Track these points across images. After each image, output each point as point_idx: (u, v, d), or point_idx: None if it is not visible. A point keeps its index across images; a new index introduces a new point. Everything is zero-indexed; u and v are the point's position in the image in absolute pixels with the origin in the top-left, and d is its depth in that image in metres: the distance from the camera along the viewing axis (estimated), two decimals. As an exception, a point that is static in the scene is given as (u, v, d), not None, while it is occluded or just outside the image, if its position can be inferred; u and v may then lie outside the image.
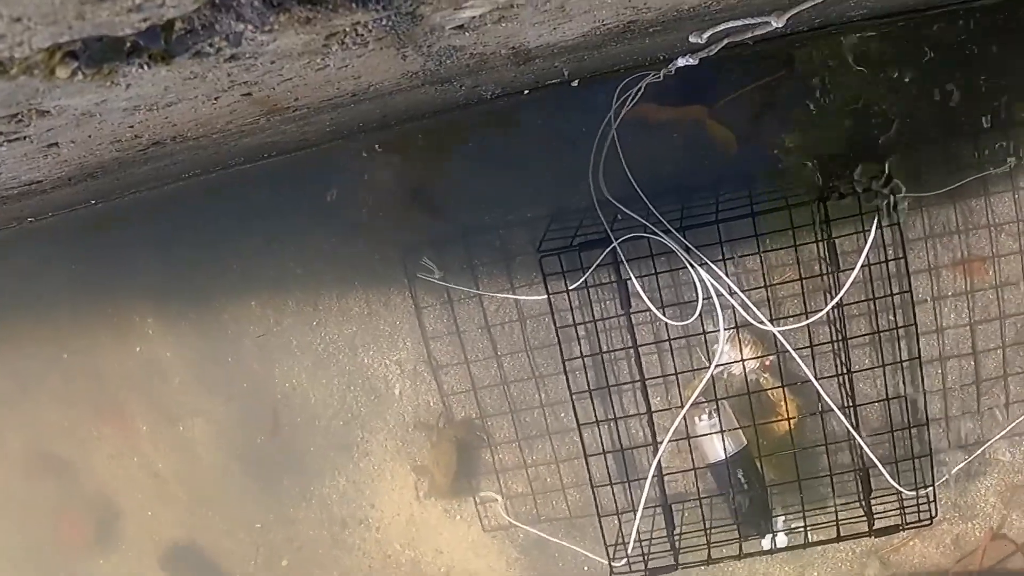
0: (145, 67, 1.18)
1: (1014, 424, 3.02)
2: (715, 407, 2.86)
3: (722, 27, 2.16)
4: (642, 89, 2.83)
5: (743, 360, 2.93)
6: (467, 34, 1.63)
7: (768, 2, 2.04)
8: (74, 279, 3.31)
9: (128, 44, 1.11)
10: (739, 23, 2.13)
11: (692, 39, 2.28)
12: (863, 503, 2.82)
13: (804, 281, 2.84)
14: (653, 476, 2.82)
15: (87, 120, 1.47)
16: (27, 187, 2.11)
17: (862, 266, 2.69)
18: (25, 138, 1.47)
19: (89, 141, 1.71)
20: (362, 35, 1.38)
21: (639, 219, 2.79)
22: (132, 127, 1.67)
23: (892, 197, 2.80)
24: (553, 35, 1.89)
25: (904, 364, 2.93)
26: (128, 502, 3.47)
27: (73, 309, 3.33)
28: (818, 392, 2.81)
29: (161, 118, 1.65)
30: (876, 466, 2.78)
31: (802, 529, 2.89)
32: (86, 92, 1.25)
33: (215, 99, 1.61)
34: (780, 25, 2.08)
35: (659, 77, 2.75)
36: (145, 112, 1.54)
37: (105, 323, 3.33)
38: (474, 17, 1.50)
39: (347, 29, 1.33)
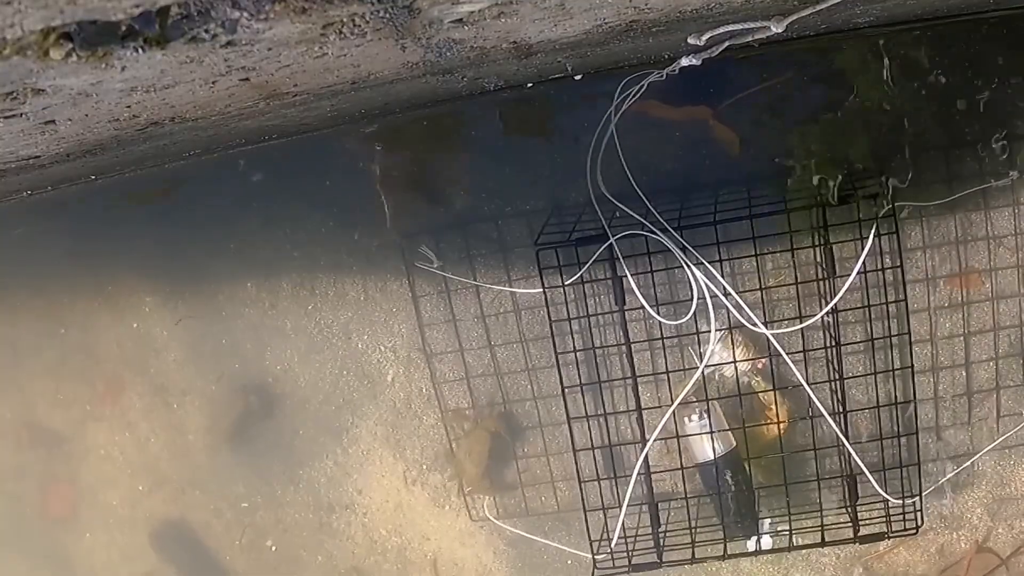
0: (140, 51, 1.18)
1: (1004, 437, 3.02)
2: (706, 407, 2.87)
3: (721, 30, 2.16)
4: (644, 88, 2.83)
5: (735, 361, 2.93)
6: (466, 28, 1.63)
7: (772, 7, 2.03)
8: (72, 253, 3.31)
9: (123, 28, 1.11)
10: (739, 27, 2.12)
11: (691, 40, 2.28)
12: (849, 509, 2.83)
13: (800, 285, 2.84)
14: (640, 473, 2.83)
15: (83, 99, 1.47)
16: (25, 162, 2.11)
17: (858, 273, 2.70)
18: (21, 115, 1.47)
19: (86, 119, 1.71)
20: (360, 26, 1.38)
21: (637, 217, 2.79)
22: (129, 107, 1.67)
23: (892, 205, 2.79)
24: (554, 31, 1.89)
25: (896, 372, 2.94)
26: (118, 477, 3.47)
27: (70, 283, 3.34)
28: (809, 397, 2.82)
29: (159, 100, 1.65)
30: (864, 473, 2.78)
31: (787, 532, 2.89)
32: (81, 73, 1.25)
33: (213, 83, 1.61)
34: (780, 30, 2.08)
35: (661, 77, 2.74)
36: (142, 93, 1.54)
37: (102, 298, 3.34)
38: (472, 12, 1.50)
39: (344, 19, 1.33)
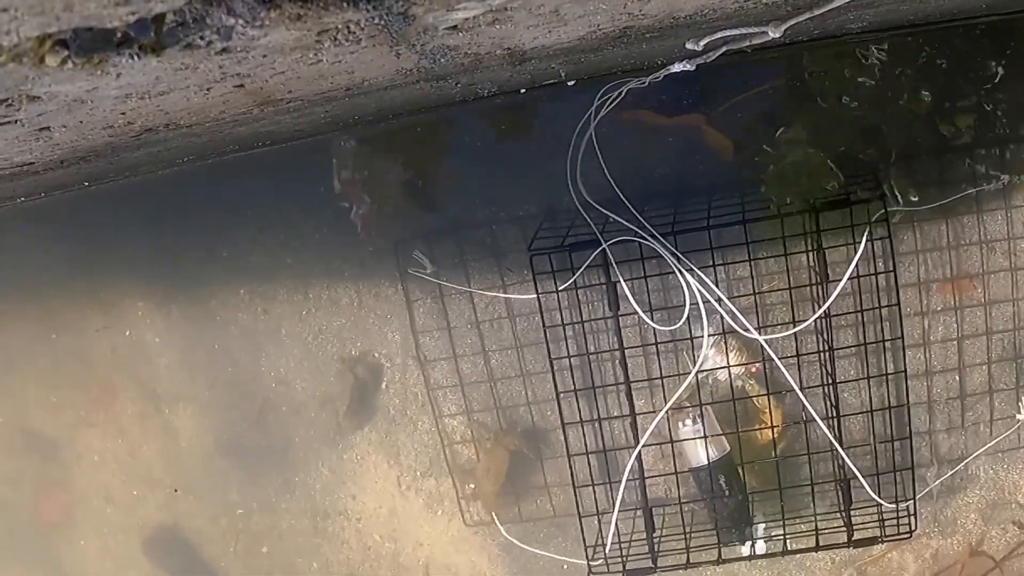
0: (135, 58, 1.18)
1: (997, 440, 3.03)
2: (699, 412, 2.87)
3: (719, 35, 2.17)
4: (622, 94, 2.84)
5: (728, 366, 2.94)
6: (461, 34, 1.63)
7: (766, 12, 2.04)
8: (65, 260, 3.31)
9: (118, 35, 1.11)
10: (736, 32, 2.13)
11: (689, 45, 2.28)
12: (843, 513, 2.83)
13: (793, 290, 2.84)
14: (635, 478, 2.83)
15: (78, 106, 1.47)
16: (19, 168, 2.11)
17: (851, 277, 2.70)
18: (16, 122, 1.47)
19: (81, 126, 1.71)
20: (354, 32, 1.38)
21: (625, 223, 2.79)
22: (124, 114, 1.67)
23: (884, 210, 2.80)
24: (548, 38, 1.89)
25: (889, 377, 2.94)
26: (111, 484, 3.47)
27: (63, 289, 3.34)
28: (802, 401, 2.82)
29: (153, 106, 1.65)
30: (857, 477, 2.79)
31: (781, 537, 2.90)
32: (76, 80, 1.25)
33: (207, 89, 1.61)
34: (778, 35, 2.08)
35: (644, 83, 2.74)
36: (137, 100, 1.54)
37: (95, 305, 3.34)
38: (467, 19, 1.50)
39: (339, 26, 1.33)
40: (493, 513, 3.27)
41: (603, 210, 2.90)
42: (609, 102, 2.88)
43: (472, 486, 3.27)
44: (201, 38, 1.19)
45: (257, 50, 1.36)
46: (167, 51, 1.20)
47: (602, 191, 2.95)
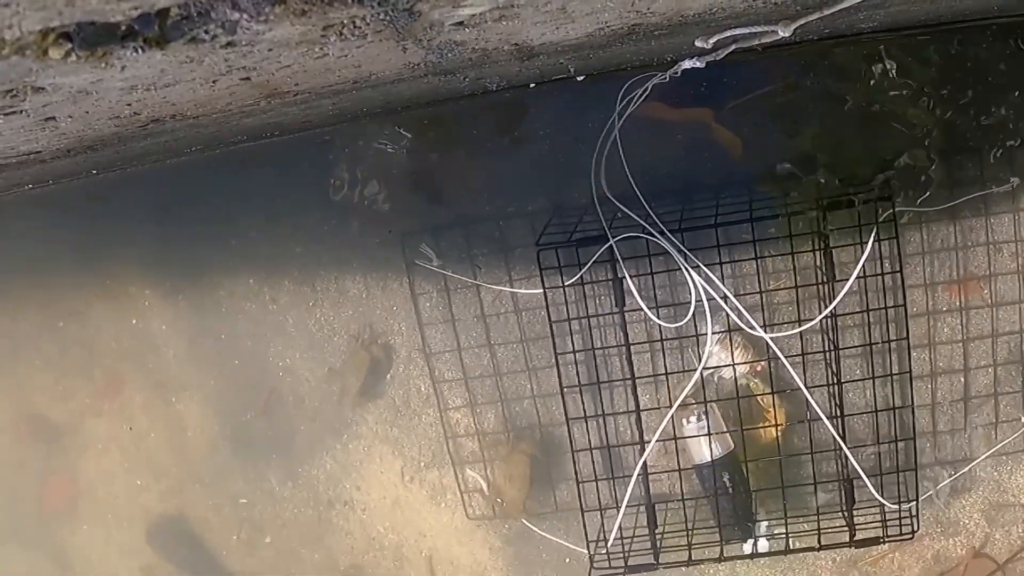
0: (140, 51, 1.18)
1: (1002, 443, 3.02)
2: (704, 409, 2.87)
3: (728, 34, 2.16)
4: (648, 91, 2.83)
5: (734, 364, 2.93)
6: (468, 30, 1.63)
7: (776, 11, 2.03)
8: (72, 247, 3.31)
9: (122, 28, 1.12)
10: (746, 31, 2.13)
11: (698, 43, 2.28)
12: (845, 513, 2.83)
13: (799, 289, 2.84)
14: (638, 474, 2.83)
15: (84, 97, 1.47)
16: (26, 156, 2.11)
17: (857, 277, 2.70)
18: (22, 112, 1.47)
19: (87, 117, 1.71)
20: (360, 27, 1.38)
21: (637, 219, 2.79)
22: (130, 105, 1.67)
23: (892, 210, 2.79)
24: (556, 34, 1.89)
25: (894, 377, 2.93)
26: (116, 472, 3.47)
27: (70, 277, 3.34)
28: (807, 400, 2.82)
29: (159, 98, 1.65)
30: (860, 477, 2.78)
31: (784, 535, 2.89)
32: (81, 72, 1.25)
33: (213, 82, 1.61)
34: (787, 35, 2.08)
35: (665, 79, 2.74)
36: (143, 92, 1.54)
37: (101, 293, 3.34)
38: (473, 15, 1.50)
39: (344, 21, 1.33)
40: (495, 508, 3.27)
41: (619, 205, 2.89)
42: (635, 100, 2.87)
43: (500, 500, 3.26)
44: (206, 32, 1.19)
45: (262, 44, 1.36)
46: (171, 45, 1.20)
47: (610, 187, 2.95)
